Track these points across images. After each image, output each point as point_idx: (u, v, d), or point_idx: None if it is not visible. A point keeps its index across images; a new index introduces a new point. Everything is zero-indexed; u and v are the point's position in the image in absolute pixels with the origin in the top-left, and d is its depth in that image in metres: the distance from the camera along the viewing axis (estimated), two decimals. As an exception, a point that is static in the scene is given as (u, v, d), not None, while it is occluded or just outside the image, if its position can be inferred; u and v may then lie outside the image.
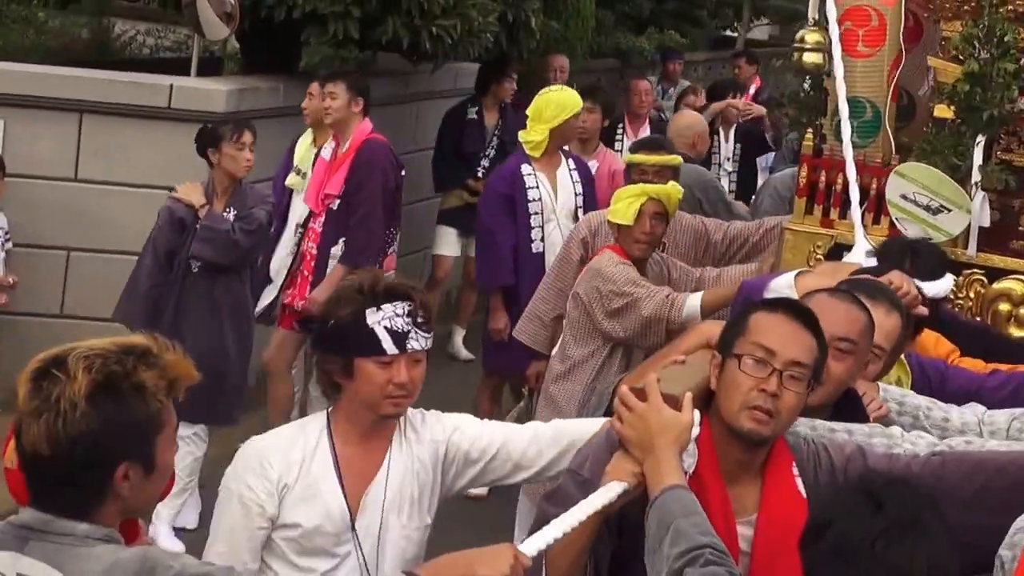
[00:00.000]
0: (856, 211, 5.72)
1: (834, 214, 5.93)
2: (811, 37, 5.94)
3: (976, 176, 5.56)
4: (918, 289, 4.50)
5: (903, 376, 4.47)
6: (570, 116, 8.02)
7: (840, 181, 5.85)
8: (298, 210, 8.30)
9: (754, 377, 3.28)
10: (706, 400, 3.37)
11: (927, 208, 5.53)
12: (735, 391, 3.29)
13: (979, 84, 5.48)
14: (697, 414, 3.26)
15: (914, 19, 6.12)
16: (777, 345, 3.29)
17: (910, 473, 3.26)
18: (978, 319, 5.63)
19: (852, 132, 5.80)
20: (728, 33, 22.09)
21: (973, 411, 4.13)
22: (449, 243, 10.54)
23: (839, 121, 5.79)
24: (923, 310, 4.44)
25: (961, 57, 5.62)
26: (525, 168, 8.07)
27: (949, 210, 5.52)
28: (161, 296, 7.26)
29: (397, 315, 3.67)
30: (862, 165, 5.83)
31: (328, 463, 3.75)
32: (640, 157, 7.24)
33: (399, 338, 3.66)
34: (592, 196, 8.24)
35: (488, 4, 9.90)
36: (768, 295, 4.21)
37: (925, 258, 5.06)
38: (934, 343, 4.87)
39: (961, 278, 5.68)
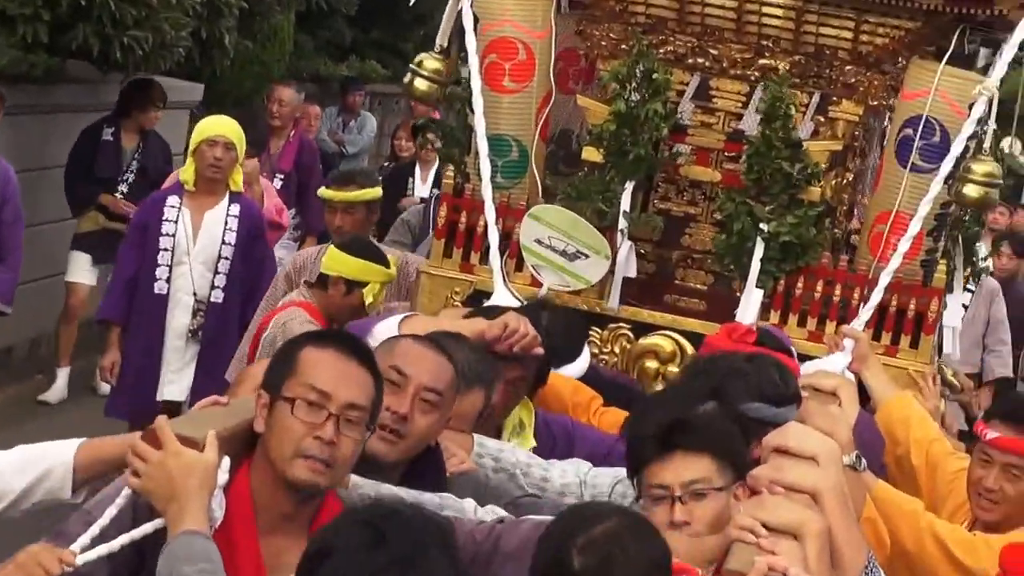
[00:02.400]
0: (495, 256, 5.32)
1: (475, 258, 5.47)
2: (429, 64, 5.51)
3: (623, 223, 5.24)
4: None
5: (525, 417, 4.22)
6: (200, 141, 7.44)
7: (482, 223, 5.44)
8: None
9: (308, 423, 2.96)
10: (248, 445, 3.02)
11: (564, 253, 5.18)
12: (287, 438, 2.97)
13: (627, 125, 5.16)
14: (227, 460, 2.94)
15: (587, 59, 5.79)
16: (331, 387, 2.99)
17: (472, 541, 3.04)
18: (623, 375, 5.28)
19: (496, 172, 5.41)
20: None
21: (577, 469, 3.86)
22: (83, 270, 9.67)
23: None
24: (540, 351, 4.16)
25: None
26: (172, 200, 7.51)
27: (587, 256, 5.18)
28: None
29: None
30: (505, 208, 5.42)
31: None
32: (330, 193, 6.94)
33: None
34: (254, 244, 7.58)
35: (181, 18, 10.05)
36: (373, 341, 3.79)
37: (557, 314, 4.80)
38: (572, 390, 4.63)
39: (606, 332, 5.34)
